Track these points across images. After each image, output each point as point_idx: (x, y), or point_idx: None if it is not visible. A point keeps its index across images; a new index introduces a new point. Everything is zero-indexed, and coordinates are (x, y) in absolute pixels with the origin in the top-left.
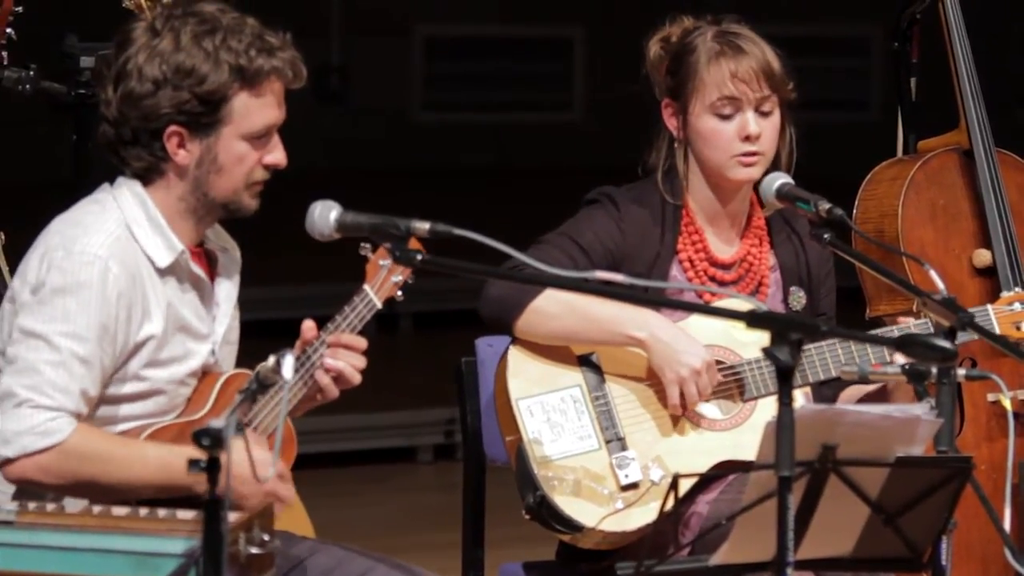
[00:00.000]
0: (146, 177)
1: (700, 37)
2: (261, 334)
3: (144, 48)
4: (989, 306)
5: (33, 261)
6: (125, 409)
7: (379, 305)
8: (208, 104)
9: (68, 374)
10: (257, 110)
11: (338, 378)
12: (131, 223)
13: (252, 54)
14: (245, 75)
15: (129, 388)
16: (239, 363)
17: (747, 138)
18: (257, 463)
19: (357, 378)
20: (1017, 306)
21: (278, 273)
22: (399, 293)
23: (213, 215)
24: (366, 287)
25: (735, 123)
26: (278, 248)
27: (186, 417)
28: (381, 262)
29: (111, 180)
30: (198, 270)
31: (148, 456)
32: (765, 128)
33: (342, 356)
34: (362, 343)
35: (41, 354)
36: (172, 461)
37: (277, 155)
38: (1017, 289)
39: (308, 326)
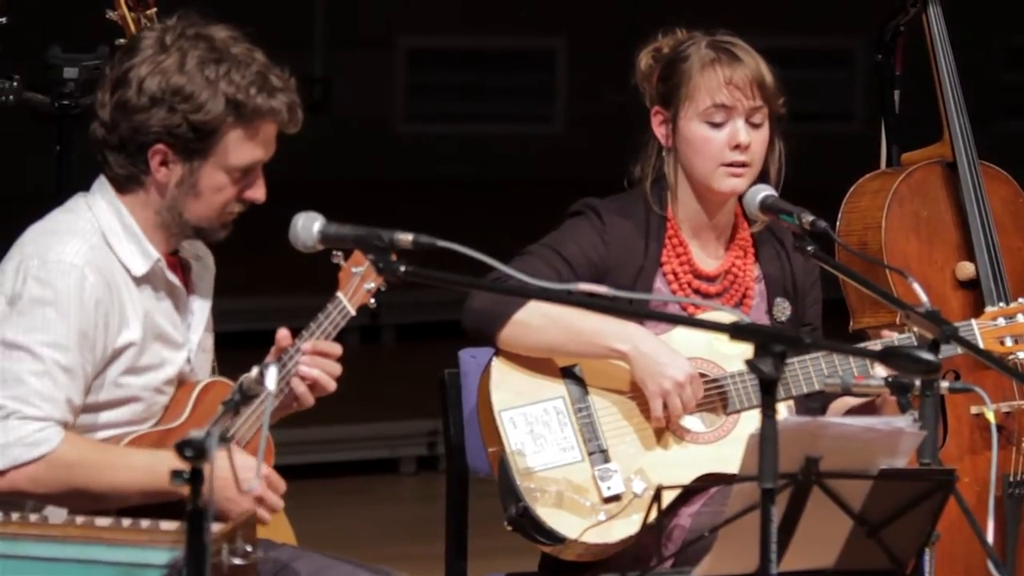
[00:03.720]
0: (125, 185)
1: (694, 46)
2: (238, 345)
3: (149, 61)
4: (973, 321)
5: (8, 272)
6: (102, 417)
7: (353, 312)
8: (198, 132)
9: (53, 383)
10: (246, 147)
11: (313, 386)
12: (106, 232)
13: (252, 92)
14: (240, 111)
15: (105, 395)
16: (218, 374)
17: (736, 147)
18: (240, 470)
19: (332, 385)
20: (1001, 321)
21: (257, 285)
22: (372, 300)
23: (184, 234)
24: (339, 295)
25: (725, 131)
26: (258, 259)
27: (164, 425)
28: (354, 269)
29: (87, 188)
30: (173, 278)
31: (134, 462)
32: (755, 139)
33: (317, 363)
34: (337, 350)
35: (24, 364)
36: (158, 466)
37: (257, 192)
38: (1001, 304)
39: (283, 334)
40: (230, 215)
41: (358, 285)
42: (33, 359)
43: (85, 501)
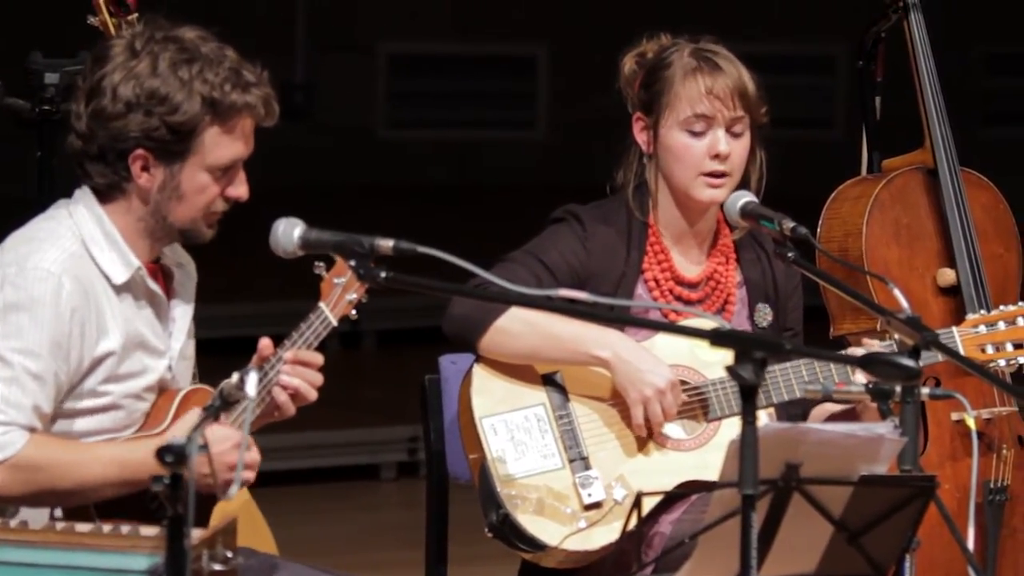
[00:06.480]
0: (107, 194)
1: (676, 53)
2: (219, 352)
3: (121, 68)
4: (954, 328)
5: None
6: (82, 424)
7: (334, 322)
8: (177, 133)
9: (20, 390)
10: (225, 144)
11: (295, 395)
12: (87, 240)
13: (227, 88)
14: (217, 109)
15: (86, 403)
16: (199, 381)
17: (716, 156)
18: (212, 440)
19: (313, 395)
20: (982, 328)
21: (238, 290)
22: (353, 312)
23: (170, 237)
24: (321, 305)
25: (706, 140)
26: (239, 265)
27: (145, 432)
28: (336, 280)
29: (70, 195)
30: (154, 286)
31: (102, 456)
32: (735, 148)
33: (299, 373)
34: (318, 359)
35: None
36: (127, 457)
37: (240, 189)
38: (983, 311)
39: (265, 344)
40: (215, 214)
41: (340, 295)
42: (3, 365)
43: (58, 499)
